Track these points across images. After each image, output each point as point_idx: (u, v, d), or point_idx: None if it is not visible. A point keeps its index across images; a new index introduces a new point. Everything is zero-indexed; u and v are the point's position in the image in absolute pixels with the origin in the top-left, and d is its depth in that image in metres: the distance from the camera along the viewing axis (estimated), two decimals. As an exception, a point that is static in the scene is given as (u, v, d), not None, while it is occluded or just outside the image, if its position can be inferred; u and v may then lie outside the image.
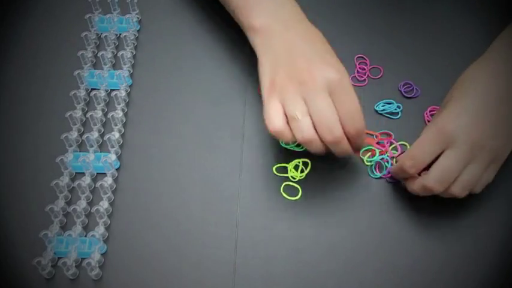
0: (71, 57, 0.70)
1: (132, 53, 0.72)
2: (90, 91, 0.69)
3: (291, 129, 0.56)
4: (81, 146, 0.66)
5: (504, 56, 0.59)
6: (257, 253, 0.60)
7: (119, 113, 0.66)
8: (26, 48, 0.73)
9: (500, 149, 0.57)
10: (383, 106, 0.68)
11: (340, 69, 0.57)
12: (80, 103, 0.67)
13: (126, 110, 0.68)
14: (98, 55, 0.71)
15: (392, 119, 0.67)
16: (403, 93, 0.69)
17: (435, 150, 0.57)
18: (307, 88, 0.55)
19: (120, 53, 0.70)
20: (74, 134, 0.65)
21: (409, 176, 0.59)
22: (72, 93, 0.66)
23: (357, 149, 0.59)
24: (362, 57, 0.71)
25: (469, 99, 0.58)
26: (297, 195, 0.63)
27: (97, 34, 0.73)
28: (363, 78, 0.70)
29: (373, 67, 0.71)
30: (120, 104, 0.67)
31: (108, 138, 0.64)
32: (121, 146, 0.66)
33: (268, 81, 0.58)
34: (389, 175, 0.63)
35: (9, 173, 0.65)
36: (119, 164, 0.65)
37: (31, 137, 0.67)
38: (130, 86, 0.70)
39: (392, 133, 0.66)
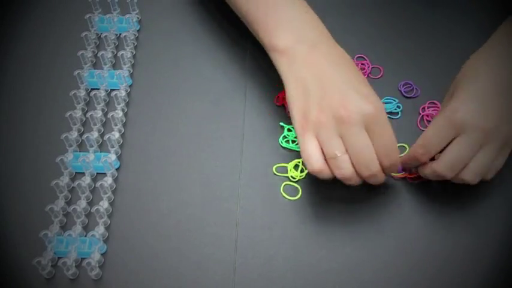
0: (71, 57, 0.70)
1: (132, 53, 0.72)
2: (90, 91, 0.69)
3: (329, 166, 0.56)
4: (81, 146, 0.66)
5: (507, 42, 0.59)
6: (257, 253, 0.60)
7: (118, 113, 0.66)
8: (26, 48, 0.73)
9: (510, 133, 0.56)
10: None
11: (376, 101, 0.56)
12: (80, 103, 0.67)
13: (126, 110, 0.68)
14: (98, 55, 0.71)
15: (392, 118, 0.67)
16: (403, 93, 0.69)
17: (446, 137, 0.56)
18: (344, 125, 0.54)
19: (120, 53, 0.70)
20: (74, 134, 0.65)
21: (422, 164, 0.59)
22: (72, 93, 0.66)
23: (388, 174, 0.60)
24: (362, 57, 0.71)
25: (477, 84, 0.57)
26: (297, 195, 0.63)
27: (97, 34, 0.73)
28: (363, 78, 0.70)
29: (373, 67, 0.71)
30: (120, 104, 0.67)
31: (108, 138, 0.64)
32: (121, 146, 0.66)
33: (300, 114, 0.57)
34: (409, 175, 0.63)
35: (9, 173, 0.65)
36: (118, 164, 0.65)
37: (31, 137, 0.67)
38: (130, 86, 0.70)
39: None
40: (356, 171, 0.56)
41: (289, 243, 0.61)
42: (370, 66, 0.71)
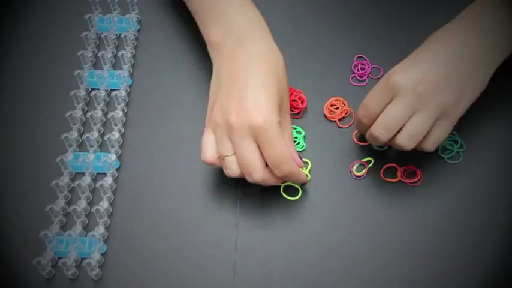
0: (71, 57, 0.70)
1: (132, 53, 0.72)
2: (90, 91, 0.69)
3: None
4: (81, 146, 0.66)
5: (466, 22, 0.60)
6: (257, 253, 0.60)
7: (118, 113, 0.66)
8: (26, 48, 0.73)
9: (450, 105, 0.57)
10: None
11: (268, 115, 0.55)
12: (79, 103, 0.67)
13: (126, 110, 0.68)
14: (97, 55, 0.70)
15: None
16: None
17: (383, 99, 0.57)
18: (233, 131, 0.56)
19: (120, 53, 0.70)
20: (74, 134, 0.65)
21: (367, 127, 0.60)
22: (72, 93, 0.66)
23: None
24: (362, 57, 0.71)
25: (423, 54, 0.59)
26: (297, 195, 0.63)
27: (97, 34, 0.73)
28: (363, 78, 0.70)
29: (374, 67, 0.71)
30: (120, 104, 0.67)
31: (108, 138, 0.64)
32: (121, 146, 0.66)
33: (210, 107, 0.60)
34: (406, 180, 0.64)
35: (9, 173, 0.65)
36: (118, 164, 0.65)
37: (31, 137, 0.67)
38: (130, 86, 0.70)
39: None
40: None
41: (289, 243, 0.61)
42: (370, 66, 0.71)
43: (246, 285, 0.59)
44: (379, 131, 0.57)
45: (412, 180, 0.63)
